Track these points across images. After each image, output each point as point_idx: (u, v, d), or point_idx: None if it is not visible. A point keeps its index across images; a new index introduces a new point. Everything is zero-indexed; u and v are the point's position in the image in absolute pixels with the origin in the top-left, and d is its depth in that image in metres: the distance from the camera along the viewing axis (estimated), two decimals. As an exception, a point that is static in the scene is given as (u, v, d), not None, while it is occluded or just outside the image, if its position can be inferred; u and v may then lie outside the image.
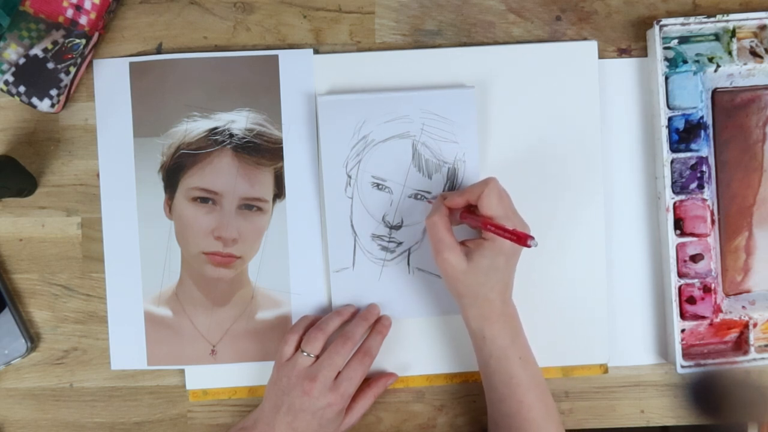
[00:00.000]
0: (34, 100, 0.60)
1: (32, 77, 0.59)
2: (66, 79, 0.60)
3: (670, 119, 0.62)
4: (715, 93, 0.63)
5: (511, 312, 0.58)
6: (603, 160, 0.63)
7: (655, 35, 0.61)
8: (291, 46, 0.64)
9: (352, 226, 0.62)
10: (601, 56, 0.64)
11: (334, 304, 0.63)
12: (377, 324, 0.61)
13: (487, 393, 0.59)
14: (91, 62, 0.63)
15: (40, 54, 0.59)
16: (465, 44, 0.64)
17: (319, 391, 0.56)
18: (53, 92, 0.60)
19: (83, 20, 0.59)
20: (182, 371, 0.64)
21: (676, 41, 0.63)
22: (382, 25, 0.64)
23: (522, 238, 0.52)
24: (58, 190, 0.64)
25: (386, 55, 0.63)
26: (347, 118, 0.62)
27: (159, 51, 0.64)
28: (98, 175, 0.63)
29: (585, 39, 0.64)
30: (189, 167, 0.63)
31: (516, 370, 0.56)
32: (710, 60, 0.62)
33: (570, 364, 0.64)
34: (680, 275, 0.62)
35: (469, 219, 0.57)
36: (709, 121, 0.63)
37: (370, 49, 0.64)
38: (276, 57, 0.63)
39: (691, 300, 0.62)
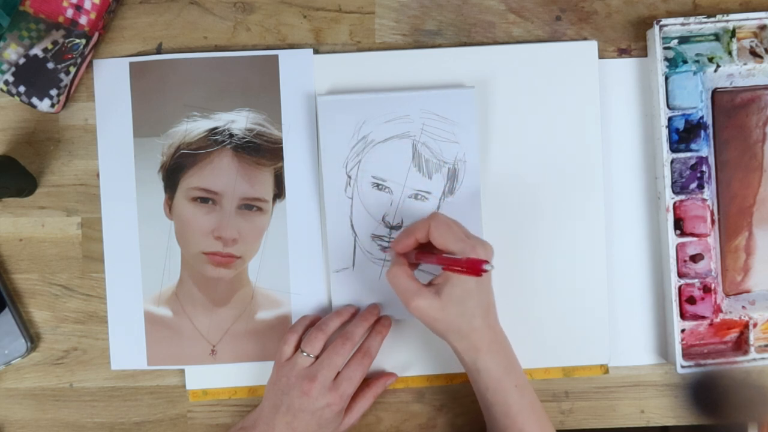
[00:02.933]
0: (34, 100, 0.60)
1: (32, 77, 0.59)
2: (66, 79, 0.60)
3: (670, 119, 0.62)
4: (715, 93, 0.63)
5: (500, 339, 0.57)
6: (603, 160, 0.63)
7: (655, 35, 0.61)
8: (291, 46, 0.64)
9: (352, 226, 0.62)
10: (601, 56, 0.64)
11: (334, 304, 0.63)
12: (377, 324, 0.61)
13: (489, 424, 0.58)
14: (91, 62, 0.63)
15: (40, 54, 0.59)
16: (465, 44, 0.64)
17: (318, 391, 0.56)
18: (53, 92, 0.60)
19: (83, 20, 0.60)
20: (182, 371, 0.64)
21: (676, 41, 0.63)
22: (382, 25, 0.64)
23: (473, 268, 0.50)
24: (58, 190, 0.64)
25: (386, 55, 0.63)
26: (347, 118, 0.62)
27: (159, 51, 0.64)
28: (98, 175, 0.63)
29: (585, 39, 0.64)
30: (189, 167, 0.63)
31: (514, 400, 0.56)
32: (710, 60, 0.62)
33: (570, 365, 0.64)
34: (680, 275, 0.62)
35: (424, 258, 0.56)
36: (709, 121, 0.63)
37: (370, 49, 0.64)
38: (276, 57, 0.63)
39: (691, 300, 0.62)
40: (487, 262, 0.50)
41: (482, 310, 0.55)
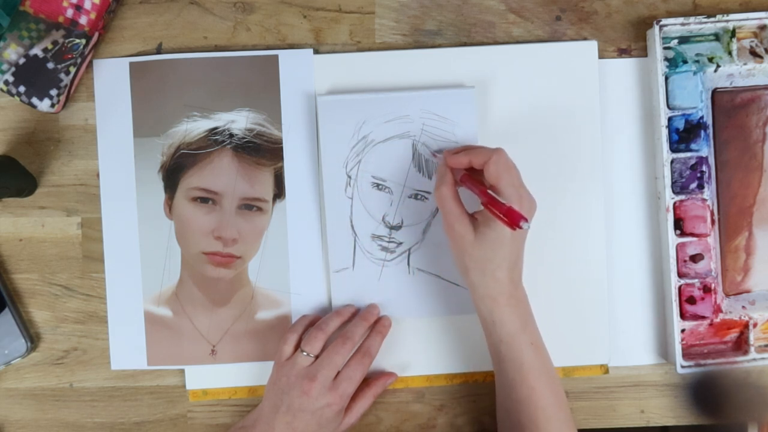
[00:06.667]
0: (34, 100, 0.60)
1: (32, 77, 0.59)
2: (66, 79, 0.60)
3: (670, 119, 0.62)
4: (715, 93, 0.63)
5: (520, 296, 0.56)
6: (603, 160, 0.63)
7: (655, 35, 0.61)
8: (291, 46, 0.64)
9: (352, 226, 0.62)
10: (601, 56, 0.64)
11: (334, 304, 0.63)
12: (377, 324, 0.61)
13: (498, 379, 0.58)
14: (91, 62, 0.63)
15: (40, 54, 0.59)
16: (465, 44, 0.64)
17: (318, 390, 0.56)
18: (53, 92, 0.60)
19: (83, 20, 0.60)
20: (182, 371, 0.64)
21: (676, 41, 0.63)
22: (382, 25, 0.64)
23: (511, 218, 0.50)
24: (58, 190, 0.64)
25: (386, 55, 0.63)
26: (347, 118, 0.62)
27: (159, 51, 0.64)
28: (98, 175, 0.63)
29: (585, 39, 0.64)
30: (189, 167, 0.63)
31: (527, 357, 0.55)
32: (710, 60, 0.62)
33: (570, 365, 0.64)
34: (680, 275, 0.62)
35: (469, 184, 0.56)
36: (709, 121, 0.63)
37: (370, 49, 0.64)
38: (276, 57, 0.63)
39: (691, 300, 0.62)
40: (526, 220, 0.50)
41: (509, 263, 0.55)
